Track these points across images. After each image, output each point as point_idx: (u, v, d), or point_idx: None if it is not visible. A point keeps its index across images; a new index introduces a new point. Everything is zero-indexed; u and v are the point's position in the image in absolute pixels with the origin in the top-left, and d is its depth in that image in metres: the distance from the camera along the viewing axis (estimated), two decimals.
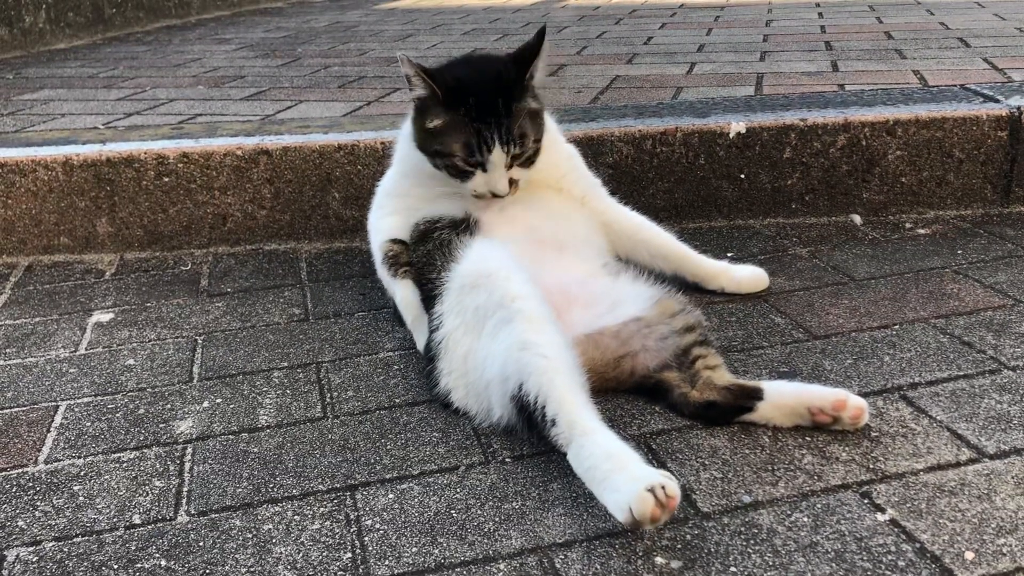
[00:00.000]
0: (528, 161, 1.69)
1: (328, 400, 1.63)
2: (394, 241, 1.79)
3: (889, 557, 1.15)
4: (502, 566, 1.18)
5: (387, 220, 1.82)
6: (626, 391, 1.57)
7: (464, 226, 1.72)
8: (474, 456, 1.43)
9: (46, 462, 1.48)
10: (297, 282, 2.18)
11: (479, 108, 1.62)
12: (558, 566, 1.17)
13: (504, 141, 1.63)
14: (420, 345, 1.69)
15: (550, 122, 1.86)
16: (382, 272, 1.79)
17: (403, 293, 1.73)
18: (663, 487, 1.16)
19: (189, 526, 1.30)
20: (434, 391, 1.56)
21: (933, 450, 1.37)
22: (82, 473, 1.44)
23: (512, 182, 1.68)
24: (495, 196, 1.68)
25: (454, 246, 1.64)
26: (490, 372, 1.44)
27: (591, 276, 1.69)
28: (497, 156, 1.64)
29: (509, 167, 1.66)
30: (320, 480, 1.39)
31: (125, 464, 1.46)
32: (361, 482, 1.38)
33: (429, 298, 1.64)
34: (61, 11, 4.72)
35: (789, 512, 1.25)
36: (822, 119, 2.33)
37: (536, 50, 1.67)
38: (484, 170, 1.66)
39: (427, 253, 1.70)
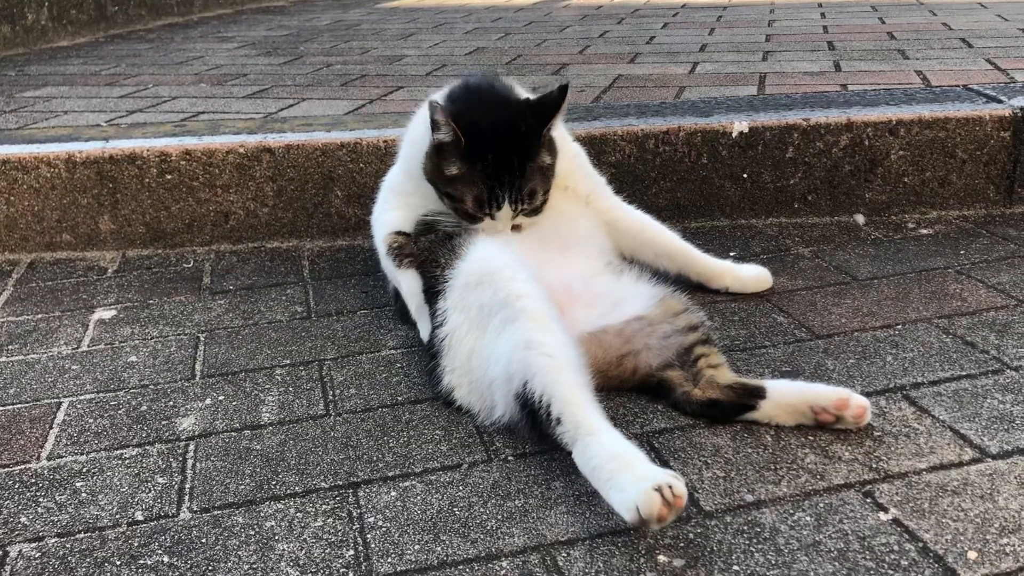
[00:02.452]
0: (534, 212, 1.71)
1: (330, 397, 1.63)
2: (398, 233, 1.79)
3: (892, 556, 1.15)
4: (505, 564, 1.18)
5: (391, 214, 1.83)
6: (629, 390, 1.57)
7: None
8: (477, 454, 1.43)
9: (49, 458, 1.48)
10: (299, 280, 2.18)
11: (496, 165, 1.63)
12: (561, 564, 1.17)
13: (513, 200, 1.65)
14: (424, 333, 1.69)
15: (556, 122, 1.86)
16: (386, 263, 1.79)
17: (407, 283, 1.74)
18: (670, 486, 1.16)
19: (192, 523, 1.30)
20: (436, 389, 1.57)
21: (936, 450, 1.37)
22: (84, 470, 1.44)
23: (515, 226, 1.71)
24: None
25: (457, 242, 1.64)
26: (494, 370, 1.44)
27: (594, 274, 1.70)
28: (505, 212, 1.67)
29: (515, 217, 1.69)
30: (322, 477, 1.39)
31: (127, 461, 1.46)
32: (363, 479, 1.38)
33: (432, 293, 1.64)
34: (63, 8, 4.72)
35: (792, 511, 1.25)
36: (825, 119, 2.33)
37: (557, 106, 1.67)
38: (491, 218, 1.68)
39: (429, 246, 1.71)
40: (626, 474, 1.21)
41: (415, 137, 1.78)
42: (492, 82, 1.81)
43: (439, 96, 1.74)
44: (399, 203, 1.83)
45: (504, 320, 1.44)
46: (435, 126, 1.65)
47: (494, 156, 1.63)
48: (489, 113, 1.69)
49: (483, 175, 1.64)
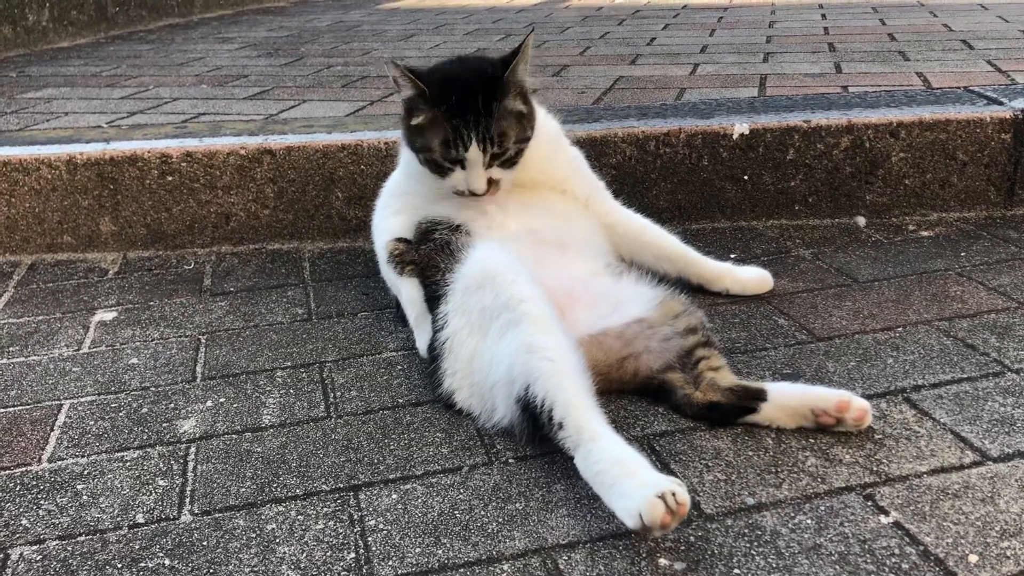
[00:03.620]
0: (509, 162, 1.69)
1: (331, 400, 1.63)
2: (399, 240, 1.79)
3: (893, 560, 1.15)
4: (506, 567, 1.18)
5: (391, 220, 1.83)
6: (629, 392, 1.57)
7: (464, 230, 1.72)
8: (477, 457, 1.43)
9: (49, 461, 1.48)
10: (300, 282, 2.18)
11: (460, 105, 1.63)
12: (562, 567, 1.17)
13: (481, 139, 1.64)
14: (421, 345, 1.69)
15: (554, 124, 1.86)
16: (386, 271, 1.79)
17: (408, 291, 1.74)
18: (673, 493, 1.16)
19: (193, 525, 1.30)
20: (437, 391, 1.57)
21: (937, 453, 1.37)
22: (85, 472, 1.44)
23: (492, 182, 1.69)
24: (473, 195, 1.69)
25: (457, 246, 1.64)
26: (496, 373, 1.44)
27: (594, 276, 1.69)
28: (474, 154, 1.65)
29: (488, 166, 1.67)
30: (324, 480, 1.39)
31: (129, 463, 1.46)
32: (364, 482, 1.38)
33: (433, 298, 1.64)
34: (64, 9, 4.72)
35: (792, 514, 1.25)
36: (825, 121, 2.33)
37: (517, 49, 1.67)
38: (463, 167, 1.67)
39: (430, 252, 1.71)
40: (629, 480, 1.21)
41: None
42: (470, 55, 1.84)
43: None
44: (399, 206, 1.83)
45: (506, 324, 1.44)
46: (397, 84, 1.68)
47: (457, 97, 1.64)
48: (456, 66, 1.75)
49: (447, 115, 1.64)
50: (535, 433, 1.38)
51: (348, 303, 2.04)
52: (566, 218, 1.79)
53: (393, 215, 1.83)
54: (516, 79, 1.68)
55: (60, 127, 2.70)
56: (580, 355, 1.43)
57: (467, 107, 1.63)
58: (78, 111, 2.95)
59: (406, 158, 1.84)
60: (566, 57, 3.63)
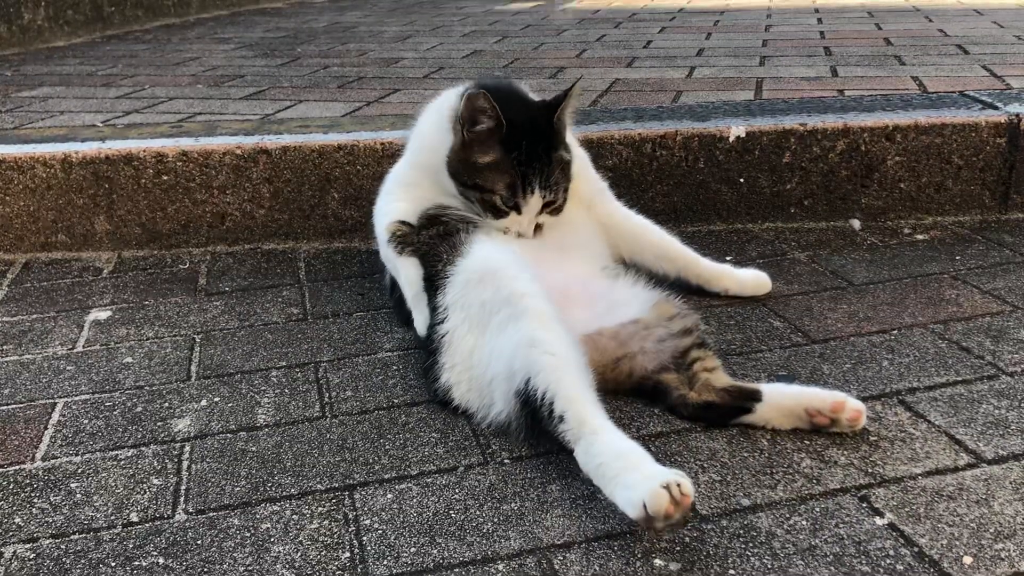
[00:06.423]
0: (557, 211, 1.72)
1: (327, 400, 1.62)
2: (401, 222, 1.79)
3: (888, 561, 1.16)
4: (501, 567, 1.18)
5: (395, 205, 1.83)
6: (625, 393, 1.56)
7: (470, 221, 1.72)
8: (473, 457, 1.43)
9: (43, 459, 1.48)
10: (295, 281, 2.17)
11: (528, 152, 1.65)
12: (557, 567, 1.17)
13: (544, 187, 1.67)
14: (419, 323, 1.69)
15: (566, 112, 1.86)
16: (386, 251, 1.78)
17: (407, 271, 1.74)
18: (678, 484, 1.16)
19: (187, 524, 1.30)
20: (434, 386, 1.56)
21: (931, 455, 1.37)
22: (79, 471, 1.44)
23: (538, 227, 1.71)
24: (519, 235, 1.71)
25: (459, 239, 1.64)
26: (496, 367, 1.44)
27: (591, 277, 1.70)
28: (535, 202, 1.67)
29: (539, 213, 1.70)
30: (318, 479, 1.39)
31: (123, 462, 1.46)
32: (360, 482, 1.38)
33: (431, 286, 1.64)
34: (60, 8, 4.71)
35: (788, 515, 1.25)
36: (821, 124, 2.33)
37: (565, 95, 1.69)
38: (519, 212, 1.68)
39: (432, 240, 1.71)
40: (633, 472, 1.21)
41: (425, 130, 1.79)
42: (508, 82, 1.83)
43: (470, 88, 1.73)
44: (404, 195, 1.83)
45: (507, 318, 1.44)
46: (477, 113, 1.65)
47: (527, 143, 1.65)
48: (515, 105, 1.71)
49: (516, 162, 1.65)
50: (533, 427, 1.38)
51: (343, 303, 2.04)
52: (566, 220, 1.79)
53: (396, 202, 1.83)
54: (563, 127, 1.71)
55: (55, 126, 2.69)
56: (581, 350, 1.43)
57: (532, 156, 1.65)
58: (73, 110, 2.94)
59: (416, 150, 1.84)
60: (563, 59, 3.64)
